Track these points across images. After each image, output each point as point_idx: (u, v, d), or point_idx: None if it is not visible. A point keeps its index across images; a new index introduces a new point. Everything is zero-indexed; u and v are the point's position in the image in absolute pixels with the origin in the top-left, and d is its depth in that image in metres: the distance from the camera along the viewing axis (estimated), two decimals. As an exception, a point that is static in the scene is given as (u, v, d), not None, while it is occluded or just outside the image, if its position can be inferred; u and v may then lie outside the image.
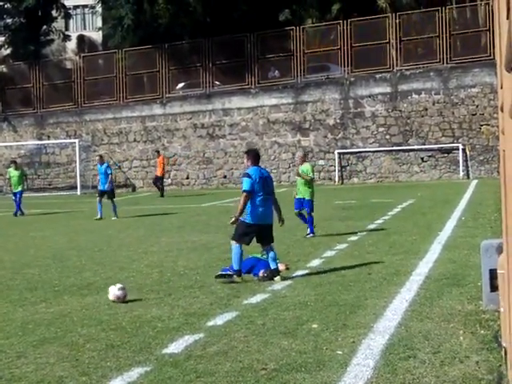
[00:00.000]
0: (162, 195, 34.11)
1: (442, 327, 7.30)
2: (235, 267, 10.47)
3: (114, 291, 9.35)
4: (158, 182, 35.08)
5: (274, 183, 11.44)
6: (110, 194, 23.59)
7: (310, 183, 15.95)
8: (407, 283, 9.69)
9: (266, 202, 10.69)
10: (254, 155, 11.10)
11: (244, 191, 10.55)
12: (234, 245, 10.55)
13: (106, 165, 24.19)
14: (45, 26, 52.17)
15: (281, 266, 10.92)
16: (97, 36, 57.26)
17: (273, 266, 10.54)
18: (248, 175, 10.65)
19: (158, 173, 35.22)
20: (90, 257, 14.07)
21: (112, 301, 9.27)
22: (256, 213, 10.54)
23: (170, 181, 40.25)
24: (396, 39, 37.28)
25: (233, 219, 10.67)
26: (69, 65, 48.00)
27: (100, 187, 23.95)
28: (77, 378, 6.16)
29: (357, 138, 37.24)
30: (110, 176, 23.82)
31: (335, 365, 6.21)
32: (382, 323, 7.54)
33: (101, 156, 25.50)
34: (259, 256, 11.21)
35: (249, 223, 10.58)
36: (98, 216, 22.77)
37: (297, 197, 16.02)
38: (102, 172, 24.05)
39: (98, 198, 23.56)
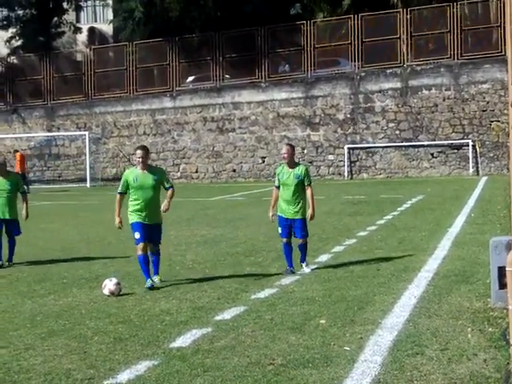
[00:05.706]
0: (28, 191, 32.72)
1: (450, 324, 7.28)
2: None
3: (109, 286, 9.36)
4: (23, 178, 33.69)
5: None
6: None
7: None
8: (416, 280, 9.67)
9: None
10: None
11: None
12: None
13: None
14: (56, 18, 52.30)
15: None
16: (107, 28, 57.21)
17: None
18: None
19: (19, 170, 33.18)
20: (98, 249, 14.10)
21: (106, 295, 9.29)
22: None
23: (179, 174, 40.31)
24: (407, 34, 37.18)
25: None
26: (79, 57, 48.07)
27: None
28: (84, 371, 6.17)
29: (366, 133, 37.17)
30: None
31: (343, 361, 6.20)
32: (390, 319, 7.53)
33: None
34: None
35: None
36: None
37: None
38: None
39: None
